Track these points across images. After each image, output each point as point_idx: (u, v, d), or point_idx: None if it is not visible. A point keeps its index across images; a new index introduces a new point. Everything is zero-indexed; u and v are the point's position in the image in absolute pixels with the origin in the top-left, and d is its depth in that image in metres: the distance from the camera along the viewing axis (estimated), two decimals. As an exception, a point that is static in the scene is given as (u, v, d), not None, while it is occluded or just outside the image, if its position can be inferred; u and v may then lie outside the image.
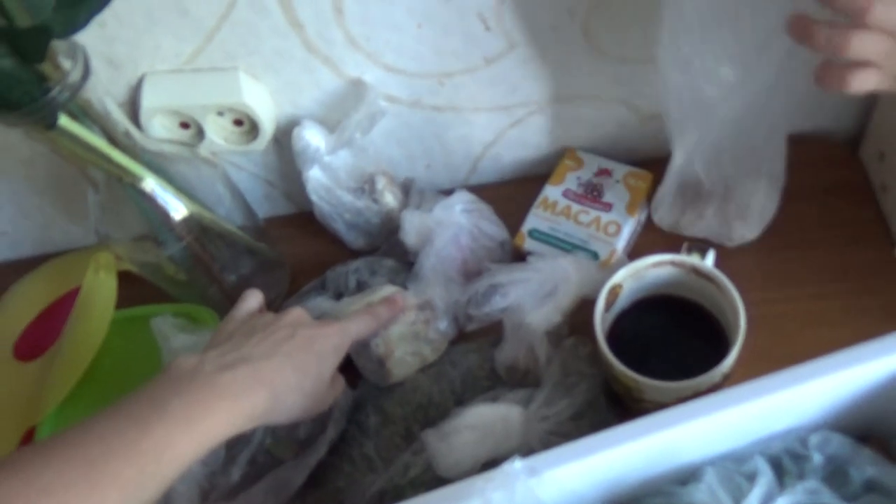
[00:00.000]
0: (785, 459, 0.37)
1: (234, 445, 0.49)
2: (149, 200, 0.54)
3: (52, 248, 0.74)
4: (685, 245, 0.53)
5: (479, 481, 0.33)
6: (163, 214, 0.55)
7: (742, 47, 0.44)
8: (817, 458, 0.37)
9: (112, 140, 0.50)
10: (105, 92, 0.50)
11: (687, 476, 0.37)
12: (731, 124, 0.49)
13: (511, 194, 0.66)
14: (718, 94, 0.46)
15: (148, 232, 0.57)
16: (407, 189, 0.66)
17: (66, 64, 0.45)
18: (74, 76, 0.45)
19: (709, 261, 0.52)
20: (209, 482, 0.47)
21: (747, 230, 0.56)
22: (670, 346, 0.53)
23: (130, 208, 0.55)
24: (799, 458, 0.37)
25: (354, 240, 0.66)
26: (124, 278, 0.64)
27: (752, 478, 0.36)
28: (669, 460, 0.37)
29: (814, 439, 0.38)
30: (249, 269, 0.65)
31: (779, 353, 0.45)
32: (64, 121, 0.46)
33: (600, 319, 0.50)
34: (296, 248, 0.69)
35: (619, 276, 0.51)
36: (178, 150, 0.58)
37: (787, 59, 0.44)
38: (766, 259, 0.58)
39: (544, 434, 0.49)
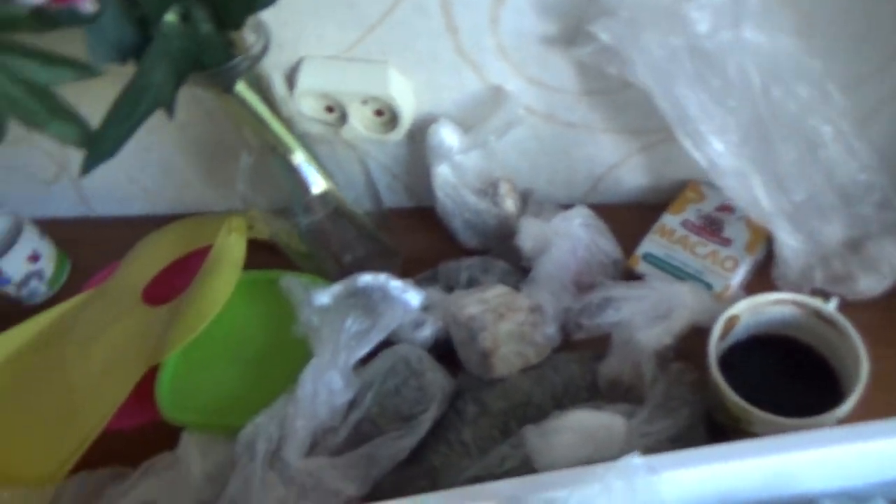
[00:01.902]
0: (906, 505, 0.37)
1: (349, 408, 0.52)
2: (293, 172, 0.58)
3: (183, 210, 0.79)
4: (809, 288, 0.53)
5: (600, 469, 0.34)
6: (304, 187, 0.58)
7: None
8: (940, 510, 0.37)
9: (272, 112, 0.55)
10: (271, 68, 0.55)
11: (802, 504, 0.37)
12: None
13: (625, 218, 0.67)
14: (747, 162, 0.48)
15: (285, 201, 0.61)
16: (525, 198, 0.68)
17: (250, 38, 0.50)
18: (256, 49, 0.49)
19: (831, 306, 0.51)
20: (322, 434, 0.50)
21: (874, 283, 0.55)
22: (779, 387, 0.52)
23: (274, 176, 0.59)
24: (921, 506, 0.37)
25: (469, 239, 0.68)
26: (249, 245, 0.68)
27: (869, 517, 0.36)
28: (786, 485, 0.37)
29: (939, 491, 0.37)
30: (365, 252, 0.68)
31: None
32: (240, 87, 0.50)
33: (715, 346, 0.50)
34: (408, 240, 0.71)
35: (739, 308, 0.51)
36: (323, 132, 0.62)
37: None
38: (890, 315, 0.57)
39: (644, 450, 0.49)
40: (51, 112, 0.36)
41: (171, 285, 0.69)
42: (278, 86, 0.55)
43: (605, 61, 0.49)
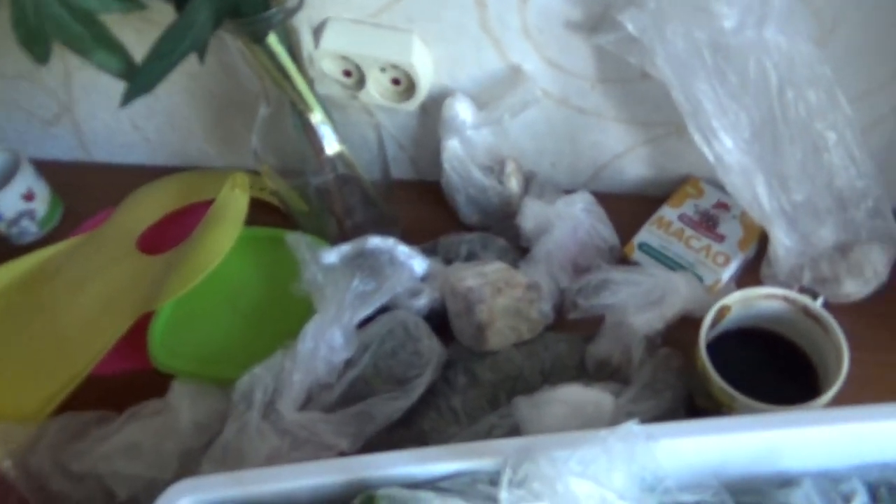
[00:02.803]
0: (882, 489, 0.39)
1: (345, 367, 0.53)
2: (310, 131, 0.58)
3: (182, 163, 0.79)
4: (797, 286, 0.55)
5: (602, 432, 0.36)
6: (318, 147, 0.59)
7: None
8: (913, 493, 0.39)
9: (298, 68, 0.55)
10: (299, 24, 0.55)
11: (786, 483, 0.39)
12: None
13: (621, 208, 0.69)
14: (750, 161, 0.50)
15: (295, 159, 0.61)
16: (528, 180, 0.70)
17: (286, -10, 0.50)
18: (292, 2, 0.50)
19: (818, 304, 0.54)
20: (319, 388, 0.51)
21: (858, 287, 0.58)
22: (761, 378, 0.54)
23: (288, 133, 0.60)
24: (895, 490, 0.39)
25: (469, 215, 0.69)
26: (250, 203, 0.68)
27: (848, 498, 0.38)
28: (772, 463, 0.39)
29: (913, 474, 0.39)
30: (365, 218, 0.68)
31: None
32: (271, 39, 0.50)
33: (705, 334, 0.52)
34: (409, 211, 0.72)
35: (732, 299, 0.53)
36: (341, 96, 0.62)
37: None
38: (870, 321, 0.59)
39: (630, 427, 0.51)
40: (96, 40, 0.36)
41: (167, 236, 0.69)
42: (307, 44, 0.55)
43: (627, 50, 0.51)
